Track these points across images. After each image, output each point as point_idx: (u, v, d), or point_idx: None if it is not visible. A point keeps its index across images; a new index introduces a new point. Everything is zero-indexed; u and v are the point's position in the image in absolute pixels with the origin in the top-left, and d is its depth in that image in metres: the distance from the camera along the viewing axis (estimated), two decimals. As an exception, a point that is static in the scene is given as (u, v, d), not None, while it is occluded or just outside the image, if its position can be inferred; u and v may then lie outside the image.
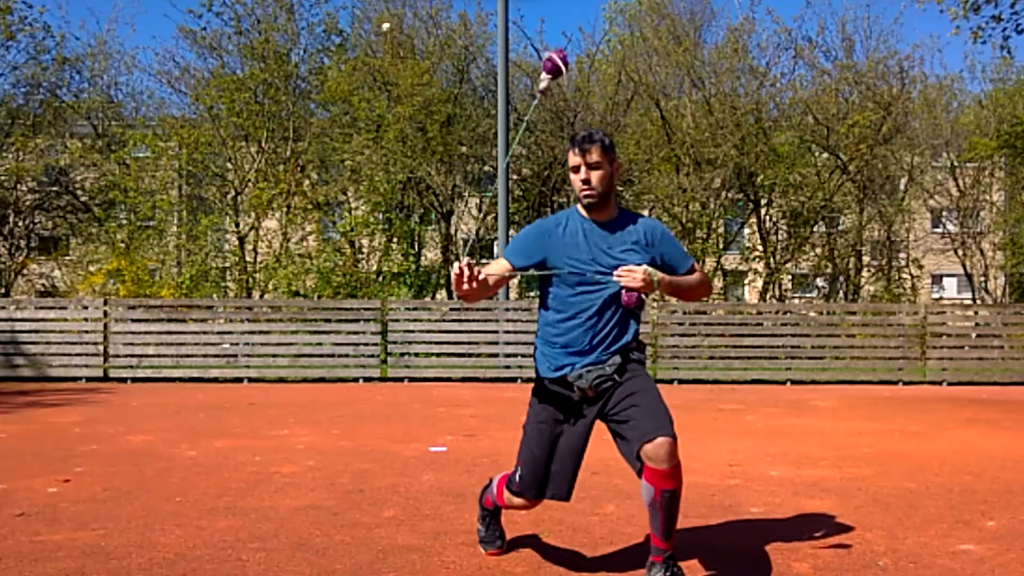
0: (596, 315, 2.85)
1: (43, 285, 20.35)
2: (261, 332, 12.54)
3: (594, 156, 2.82)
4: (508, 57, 13.22)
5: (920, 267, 19.82)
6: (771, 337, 12.69)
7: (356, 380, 12.18)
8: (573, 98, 18.41)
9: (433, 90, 17.13)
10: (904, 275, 19.44)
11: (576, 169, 2.85)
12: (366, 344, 12.32)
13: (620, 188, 18.77)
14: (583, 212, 2.93)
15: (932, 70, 35.14)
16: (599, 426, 2.94)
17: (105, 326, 12.22)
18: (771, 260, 18.38)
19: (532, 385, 3.03)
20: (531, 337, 12.17)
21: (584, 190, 2.84)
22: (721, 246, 18.87)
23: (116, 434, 6.52)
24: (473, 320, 12.31)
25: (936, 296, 28.47)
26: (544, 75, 2.90)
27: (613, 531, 3.57)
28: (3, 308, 12.29)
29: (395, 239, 17.64)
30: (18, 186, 18.49)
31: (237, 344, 12.31)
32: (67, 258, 19.64)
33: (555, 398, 2.89)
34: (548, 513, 3.89)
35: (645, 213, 19.43)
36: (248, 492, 4.33)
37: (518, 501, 2.98)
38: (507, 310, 12.47)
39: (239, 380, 12.09)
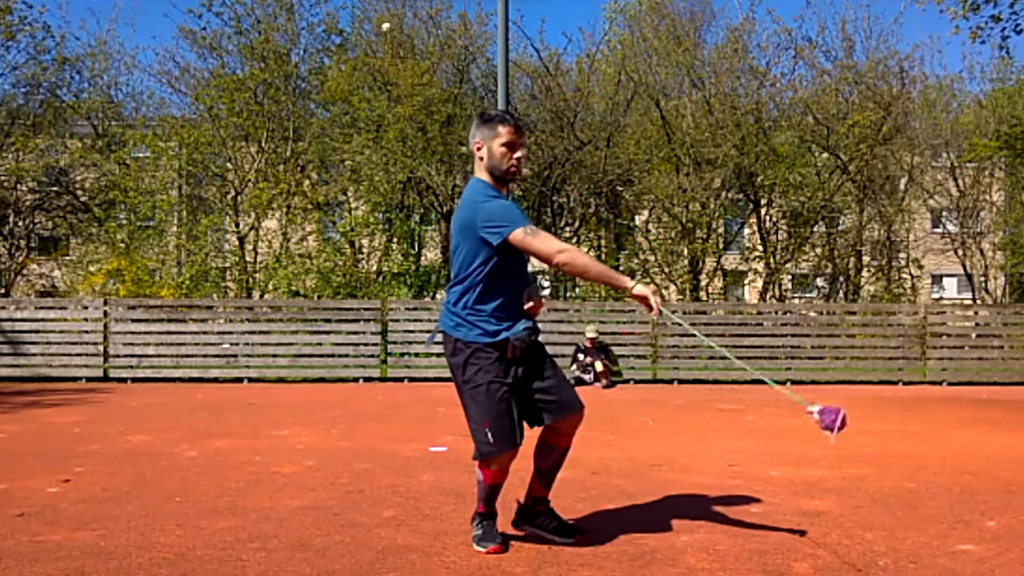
0: (520, 283, 3.23)
1: (43, 285, 20.36)
2: (261, 332, 12.54)
3: (526, 138, 3.10)
4: (508, 57, 13.20)
5: (920, 267, 19.81)
6: (771, 337, 12.70)
7: (356, 380, 12.18)
8: (573, 98, 18.40)
9: (433, 90, 17.13)
10: (904, 275, 19.43)
11: (513, 146, 3.15)
12: (366, 344, 12.32)
13: (620, 188, 18.79)
14: (496, 185, 3.21)
15: (932, 70, 35.14)
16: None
17: (105, 326, 12.23)
18: (771, 260, 18.37)
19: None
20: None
21: (517, 167, 3.18)
22: (721, 246, 18.87)
23: (116, 434, 6.52)
24: (473, 320, 12.30)
25: (936, 296, 28.46)
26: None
27: (613, 531, 3.56)
28: (3, 308, 12.30)
29: (395, 239, 17.64)
30: (18, 186, 18.49)
31: (237, 344, 12.31)
32: (67, 258, 19.64)
33: (493, 360, 3.14)
34: (548, 513, 3.89)
35: (645, 213, 19.45)
36: (248, 492, 4.33)
37: (504, 459, 3.14)
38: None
39: (239, 380, 12.09)
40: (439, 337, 3.36)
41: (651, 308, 3.02)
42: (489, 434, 3.09)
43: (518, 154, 3.14)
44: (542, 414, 3.20)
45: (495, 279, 3.16)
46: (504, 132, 3.13)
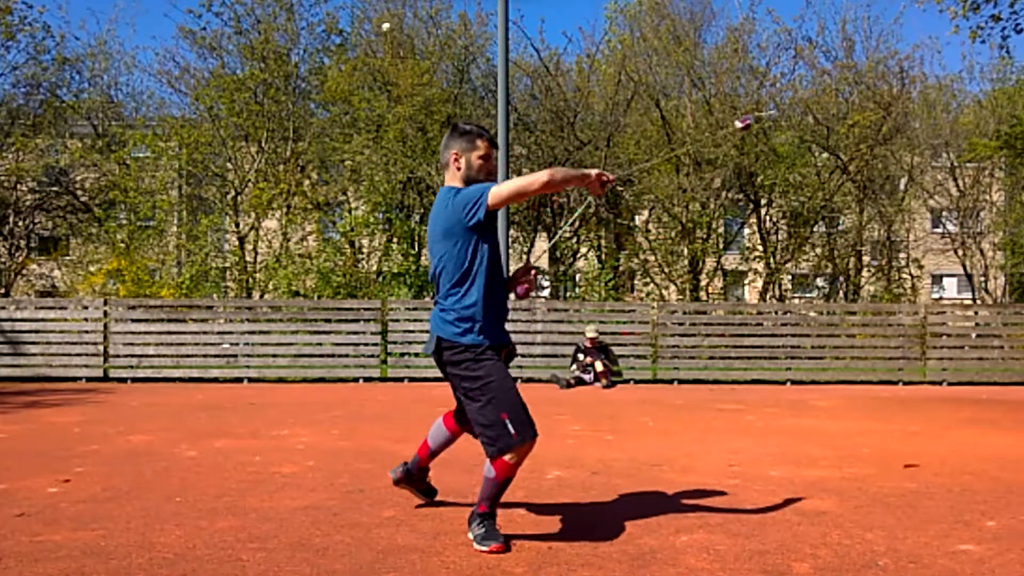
0: (504, 287, 3.44)
1: (43, 285, 20.37)
2: (261, 332, 12.53)
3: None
4: (508, 57, 13.20)
5: (920, 267, 19.83)
6: (771, 337, 12.69)
7: (356, 380, 12.18)
8: (573, 98, 18.42)
9: (433, 90, 17.14)
10: (904, 275, 19.45)
11: (488, 158, 3.40)
12: (366, 344, 12.32)
13: (620, 188, 18.80)
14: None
15: (932, 70, 35.16)
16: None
17: (105, 326, 12.22)
18: (771, 260, 18.38)
19: (518, 381, 3.25)
20: (528, 337, 12.20)
21: (492, 177, 3.41)
22: (721, 246, 18.87)
23: (116, 434, 6.51)
24: (473, 320, 12.29)
25: (936, 296, 28.48)
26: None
27: (613, 530, 3.57)
28: (3, 308, 12.29)
29: (395, 239, 17.64)
30: (18, 186, 18.50)
31: (237, 344, 12.31)
32: (67, 258, 19.66)
33: (497, 359, 3.33)
34: (548, 513, 3.89)
35: (645, 213, 19.45)
36: (248, 492, 4.33)
37: (524, 448, 3.22)
38: (507, 310, 12.44)
39: (239, 380, 12.09)
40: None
41: (610, 179, 3.30)
42: (510, 425, 3.17)
43: (491, 165, 3.41)
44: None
45: (492, 273, 3.32)
46: (482, 146, 3.36)
